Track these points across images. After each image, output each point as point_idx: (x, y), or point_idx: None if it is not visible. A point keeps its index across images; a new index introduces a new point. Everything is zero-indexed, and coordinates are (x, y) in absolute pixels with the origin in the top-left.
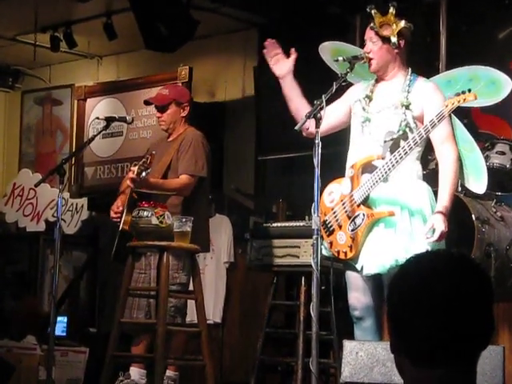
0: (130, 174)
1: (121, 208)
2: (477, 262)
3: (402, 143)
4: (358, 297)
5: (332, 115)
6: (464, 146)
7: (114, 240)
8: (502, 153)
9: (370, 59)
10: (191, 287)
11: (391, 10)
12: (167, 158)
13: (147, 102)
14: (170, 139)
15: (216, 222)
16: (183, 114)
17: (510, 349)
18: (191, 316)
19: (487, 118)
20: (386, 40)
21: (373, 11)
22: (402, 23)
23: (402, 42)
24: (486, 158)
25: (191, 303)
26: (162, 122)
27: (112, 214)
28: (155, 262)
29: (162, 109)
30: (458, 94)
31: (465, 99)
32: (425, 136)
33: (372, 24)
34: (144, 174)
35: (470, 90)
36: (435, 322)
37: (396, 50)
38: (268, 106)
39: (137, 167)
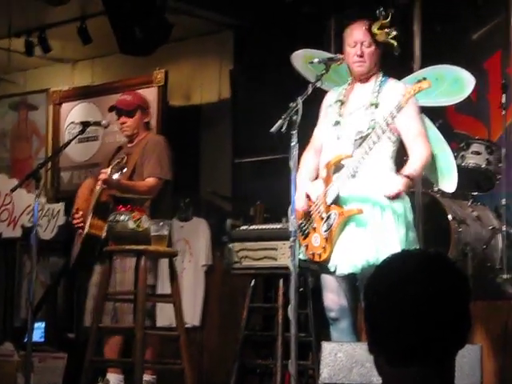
0: (103, 176)
1: (81, 212)
2: (453, 261)
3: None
4: (334, 298)
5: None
6: (435, 146)
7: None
8: (478, 153)
9: (360, 62)
10: (169, 290)
11: (390, 15)
12: (132, 162)
13: (113, 108)
14: (131, 145)
15: (193, 226)
16: (146, 119)
17: (488, 347)
18: (170, 320)
19: (462, 118)
20: (378, 44)
21: (381, 15)
22: (395, 30)
23: (396, 48)
24: (462, 158)
25: (169, 307)
26: (127, 128)
27: (74, 221)
28: (122, 266)
29: (128, 114)
30: (414, 84)
31: (420, 87)
32: (386, 128)
33: (370, 26)
34: (117, 175)
35: (424, 78)
36: (411, 322)
37: (380, 55)
38: (244, 108)
39: (109, 168)
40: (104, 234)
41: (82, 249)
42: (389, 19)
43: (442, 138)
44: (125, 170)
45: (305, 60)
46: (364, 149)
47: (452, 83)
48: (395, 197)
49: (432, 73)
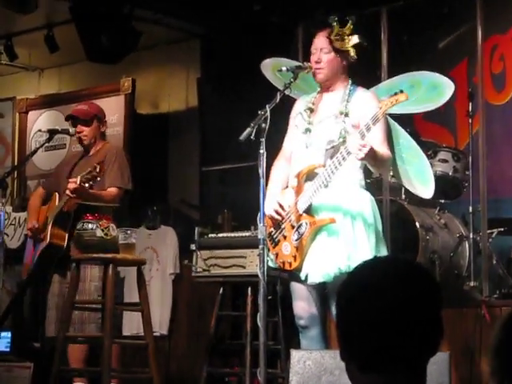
0: (73, 185)
1: (36, 225)
2: (425, 268)
3: (342, 149)
4: (303, 306)
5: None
6: (409, 152)
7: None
8: (445, 160)
9: (318, 69)
10: (137, 299)
11: (349, 23)
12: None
13: (69, 117)
14: (89, 155)
15: (161, 234)
16: (102, 129)
17: (456, 355)
18: (138, 328)
19: (429, 126)
20: (338, 52)
21: (334, 22)
22: (356, 38)
23: (352, 56)
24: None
25: (137, 315)
26: (85, 137)
27: (30, 233)
28: (82, 275)
29: (84, 123)
30: (391, 96)
31: (397, 100)
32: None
33: (327, 34)
34: (87, 184)
35: (402, 91)
36: (383, 329)
37: (344, 63)
38: (212, 117)
39: (80, 177)
40: (65, 244)
41: (40, 259)
42: (348, 27)
43: (415, 145)
44: (98, 179)
45: (273, 68)
46: (338, 159)
47: (429, 89)
48: (363, 147)
49: (406, 80)
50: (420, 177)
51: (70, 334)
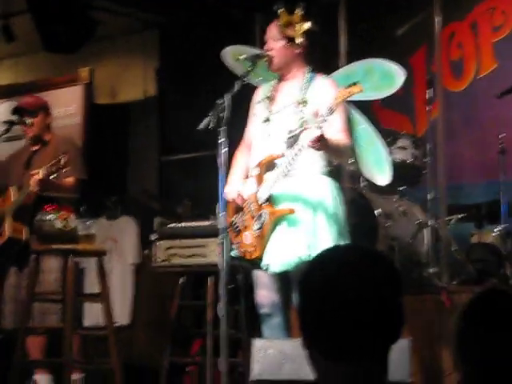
0: (37, 177)
1: None
2: (385, 255)
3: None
4: (266, 294)
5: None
6: (366, 139)
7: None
8: (404, 148)
9: (271, 57)
10: (98, 289)
11: (298, 10)
12: (45, 164)
13: (17, 110)
14: (36, 148)
15: (121, 224)
16: (48, 121)
17: (416, 341)
18: (98, 318)
19: (388, 113)
20: (289, 39)
21: (280, 10)
22: (307, 25)
23: (305, 43)
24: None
25: (98, 306)
26: (33, 129)
27: None
28: (44, 266)
29: (31, 114)
30: (345, 87)
31: (350, 92)
32: (318, 132)
33: (277, 22)
34: (52, 176)
35: (355, 83)
36: (343, 317)
37: (298, 50)
38: (171, 106)
39: (44, 169)
40: (24, 237)
41: (1, 253)
42: (296, 15)
43: (372, 131)
44: (64, 170)
45: (233, 56)
46: (295, 150)
47: (382, 77)
48: (316, 142)
49: (361, 67)
50: (377, 164)
51: (34, 325)
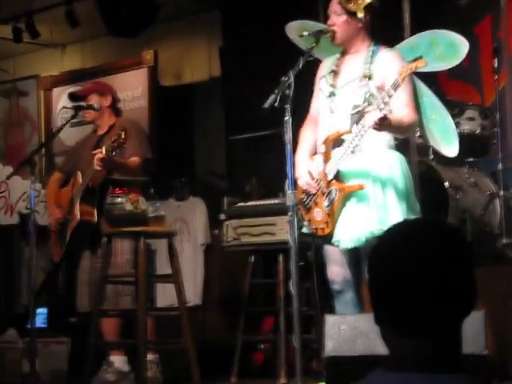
0: (100, 155)
1: (59, 215)
2: (455, 227)
3: None
4: (337, 270)
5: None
6: (433, 111)
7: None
8: (472, 118)
9: (334, 32)
10: (169, 270)
11: None
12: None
13: (72, 96)
14: (101, 132)
15: (190, 205)
16: (106, 104)
17: (489, 313)
18: (171, 299)
19: (455, 84)
20: (351, 14)
21: None
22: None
23: (368, 16)
24: (456, 125)
25: (171, 287)
26: (87, 114)
27: (54, 219)
28: (116, 248)
29: (95, 100)
30: (410, 62)
31: (416, 66)
32: (383, 107)
33: None
34: (114, 153)
35: (421, 57)
36: (416, 290)
37: (360, 25)
38: (236, 85)
39: (105, 147)
40: (95, 219)
41: (73, 238)
42: None
43: (439, 103)
44: (125, 146)
45: (298, 31)
46: (363, 125)
47: (446, 47)
48: (380, 123)
49: (426, 38)
50: (444, 135)
51: (109, 307)
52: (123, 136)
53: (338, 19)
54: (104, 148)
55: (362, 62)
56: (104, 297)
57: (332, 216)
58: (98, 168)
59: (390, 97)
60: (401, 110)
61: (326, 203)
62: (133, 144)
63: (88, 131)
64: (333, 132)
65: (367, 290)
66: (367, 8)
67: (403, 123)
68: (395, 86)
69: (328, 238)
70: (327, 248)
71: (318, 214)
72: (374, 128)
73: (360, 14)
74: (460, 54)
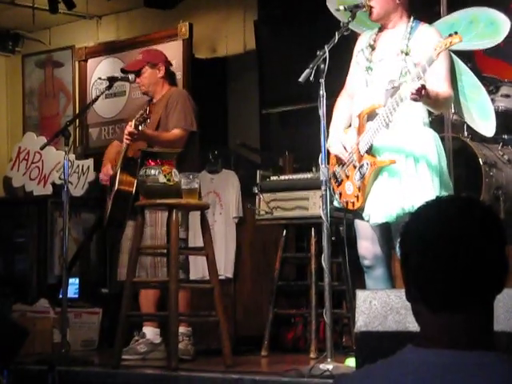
0: (128, 128)
1: (110, 171)
2: (487, 205)
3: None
4: (368, 246)
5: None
6: (471, 90)
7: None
8: (507, 95)
9: (371, 8)
10: (201, 243)
11: None
12: (155, 117)
13: (123, 70)
14: (154, 101)
15: (223, 178)
16: (160, 74)
17: None
18: (203, 272)
19: (490, 61)
20: None
21: None
22: None
23: None
24: (491, 102)
25: (202, 259)
26: (142, 86)
27: (103, 178)
28: (152, 220)
29: (137, 74)
30: (445, 38)
31: (451, 42)
32: (418, 81)
33: None
34: (140, 127)
35: (456, 33)
36: (449, 267)
37: (398, 1)
38: (270, 59)
39: (133, 121)
40: (134, 190)
41: (114, 205)
42: None
43: (477, 82)
44: (148, 120)
45: (338, 3)
46: (396, 100)
47: (488, 25)
48: (416, 94)
49: (466, 15)
50: (482, 114)
51: (141, 278)
52: (147, 112)
53: None
54: (133, 122)
55: (400, 37)
56: (141, 268)
57: (363, 190)
58: (127, 141)
59: (424, 71)
60: (437, 84)
61: (357, 177)
62: (177, 115)
63: (122, 102)
64: (367, 105)
65: (399, 266)
66: None
67: (439, 97)
68: (430, 61)
69: (358, 213)
70: (358, 223)
71: (349, 187)
72: (412, 98)
73: None
74: (501, 33)
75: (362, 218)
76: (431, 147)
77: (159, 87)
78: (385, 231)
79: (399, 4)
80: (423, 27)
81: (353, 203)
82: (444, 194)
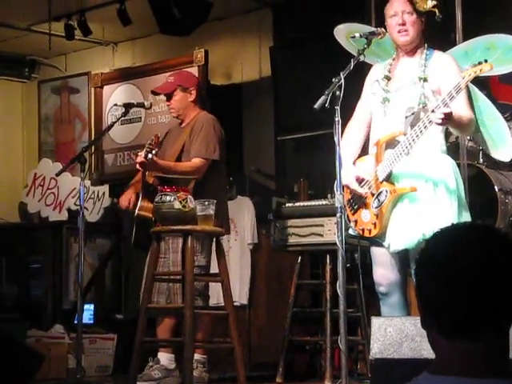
0: (139, 159)
1: (133, 197)
2: (503, 233)
3: (423, 116)
4: (384, 273)
5: (367, 113)
6: (487, 116)
7: (133, 227)
8: None
9: (403, 31)
10: (216, 270)
11: None
12: (180, 142)
13: (154, 92)
14: (183, 125)
15: (238, 204)
16: (191, 98)
17: None
18: (218, 299)
19: (506, 88)
20: (419, 13)
21: None
22: (432, 2)
23: (425, 19)
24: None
25: (217, 286)
26: (172, 110)
27: (123, 204)
28: (174, 246)
29: (168, 96)
30: (474, 65)
31: (481, 69)
32: (447, 107)
33: None
34: (150, 155)
35: (486, 61)
36: (465, 295)
37: (423, 26)
38: (285, 85)
39: (144, 150)
40: (152, 216)
41: (137, 230)
42: None
43: (493, 107)
44: (154, 151)
45: (347, 34)
46: (420, 127)
47: (506, 52)
48: (445, 119)
49: (482, 43)
50: (498, 140)
51: (156, 304)
52: (153, 142)
53: (409, 18)
54: (143, 151)
55: (417, 65)
56: (159, 294)
57: (381, 217)
58: (139, 169)
59: (451, 99)
60: (458, 108)
61: (375, 204)
62: (198, 144)
63: (137, 129)
64: (386, 134)
65: (414, 293)
66: (435, 7)
67: (462, 120)
68: (458, 89)
69: (375, 240)
70: (374, 249)
71: (366, 215)
72: (441, 124)
73: (437, 12)
74: None
75: (378, 245)
76: (450, 173)
77: (190, 111)
78: (402, 258)
79: (423, 30)
80: (438, 54)
81: (369, 230)
82: (462, 219)
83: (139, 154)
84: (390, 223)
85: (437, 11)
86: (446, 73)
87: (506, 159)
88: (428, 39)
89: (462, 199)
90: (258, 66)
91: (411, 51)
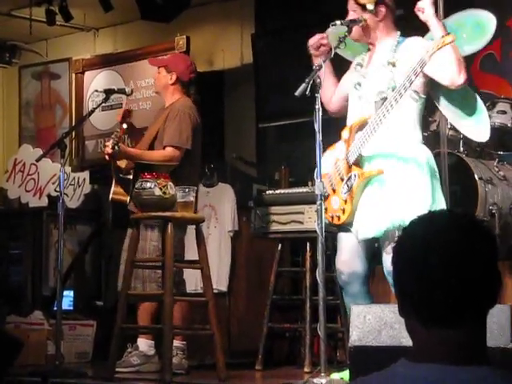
0: (106, 149)
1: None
2: (480, 220)
3: (390, 96)
4: (346, 260)
5: (341, 89)
6: (463, 96)
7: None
8: (503, 112)
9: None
10: (196, 257)
11: None
12: (155, 127)
13: (150, 61)
14: (166, 106)
15: (219, 191)
16: (170, 81)
17: None
18: (196, 285)
19: (487, 77)
20: (365, 8)
21: None
22: None
23: (384, 9)
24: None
25: (194, 272)
26: (155, 86)
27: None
28: (143, 234)
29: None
30: (437, 39)
31: (443, 42)
32: (409, 86)
33: None
34: (116, 147)
35: (448, 33)
36: (443, 284)
37: (377, 18)
38: (267, 72)
39: (111, 141)
40: (128, 200)
41: (113, 215)
42: None
43: (471, 90)
44: (125, 140)
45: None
46: (386, 107)
47: (473, 27)
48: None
49: (452, 23)
50: (475, 120)
51: (136, 291)
52: (119, 133)
53: (354, 15)
54: (111, 142)
55: (387, 50)
56: (137, 279)
57: (350, 203)
58: (107, 158)
59: (415, 75)
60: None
61: (344, 190)
62: (171, 132)
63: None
64: (357, 118)
65: (381, 283)
66: (380, 1)
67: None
68: (422, 64)
69: (344, 227)
70: (341, 235)
71: (336, 201)
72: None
73: (370, 7)
74: (488, 32)
75: (346, 231)
76: (422, 159)
77: (169, 93)
78: (369, 246)
79: (380, 22)
80: (410, 40)
81: (338, 217)
82: (435, 208)
83: (106, 143)
84: (358, 211)
85: (369, 6)
86: (413, 56)
87: (483, 139)
88: (407, 29)
89: (435, 188)
90: (240, 53)
91: (376, 42)
